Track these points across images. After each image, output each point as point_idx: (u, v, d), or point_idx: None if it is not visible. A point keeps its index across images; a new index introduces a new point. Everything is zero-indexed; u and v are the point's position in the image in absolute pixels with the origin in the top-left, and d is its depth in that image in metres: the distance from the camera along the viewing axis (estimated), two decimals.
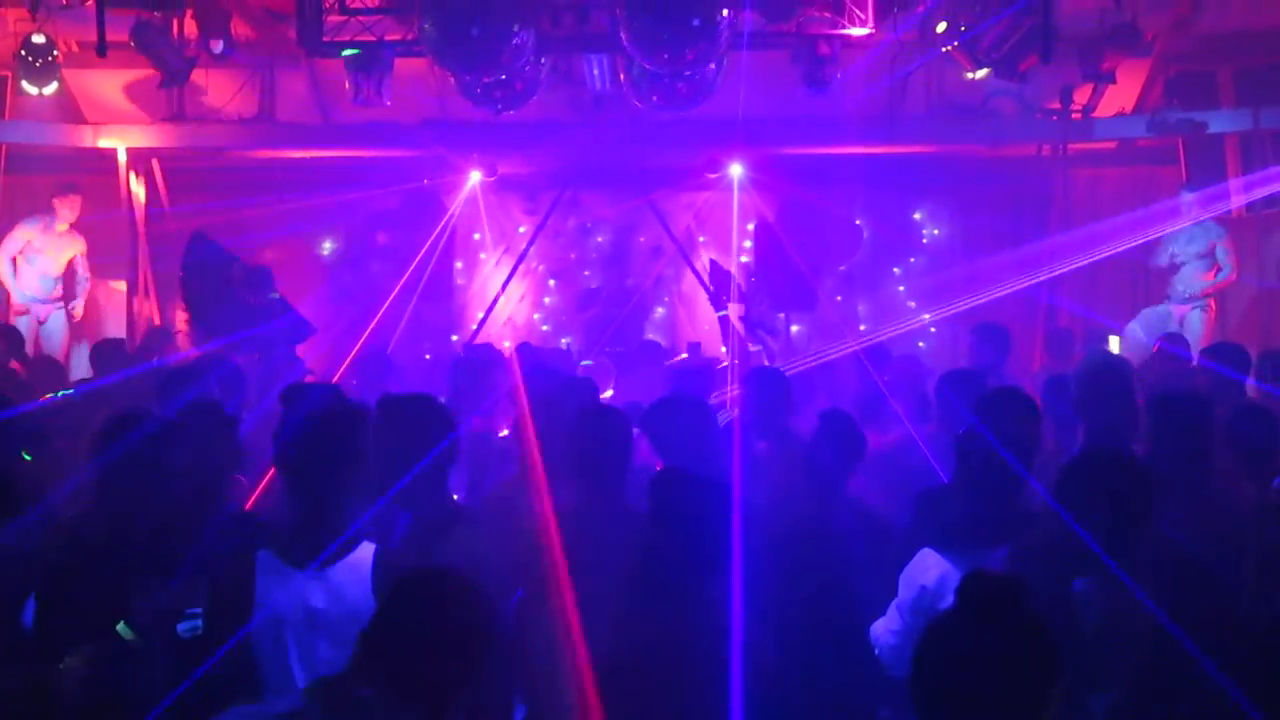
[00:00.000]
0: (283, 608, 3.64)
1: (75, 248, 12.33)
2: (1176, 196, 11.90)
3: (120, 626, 3.82)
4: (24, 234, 12.15)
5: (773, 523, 4.92)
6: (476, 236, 13.55)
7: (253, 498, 5.32)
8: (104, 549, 4.26)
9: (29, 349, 11.07)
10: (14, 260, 12.14)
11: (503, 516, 5.07)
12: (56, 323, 12.21)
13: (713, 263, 12.22)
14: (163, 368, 8.57)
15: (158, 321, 12.23)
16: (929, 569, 4.51)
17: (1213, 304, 11.90)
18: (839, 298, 12.00)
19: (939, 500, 4.97)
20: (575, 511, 4.72)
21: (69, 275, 12.37)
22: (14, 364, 9.68)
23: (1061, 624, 3.66)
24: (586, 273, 13.57)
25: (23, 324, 11.79)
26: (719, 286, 11.29)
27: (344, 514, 3.82)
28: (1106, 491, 4.03)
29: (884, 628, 4.66)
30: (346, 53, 10.36)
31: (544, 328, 13.36)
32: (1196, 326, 11.76)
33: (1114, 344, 11.15)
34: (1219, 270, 11.82)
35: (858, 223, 12.92)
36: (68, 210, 12.20)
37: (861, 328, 12.00)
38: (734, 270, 11.88)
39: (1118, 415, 5.78)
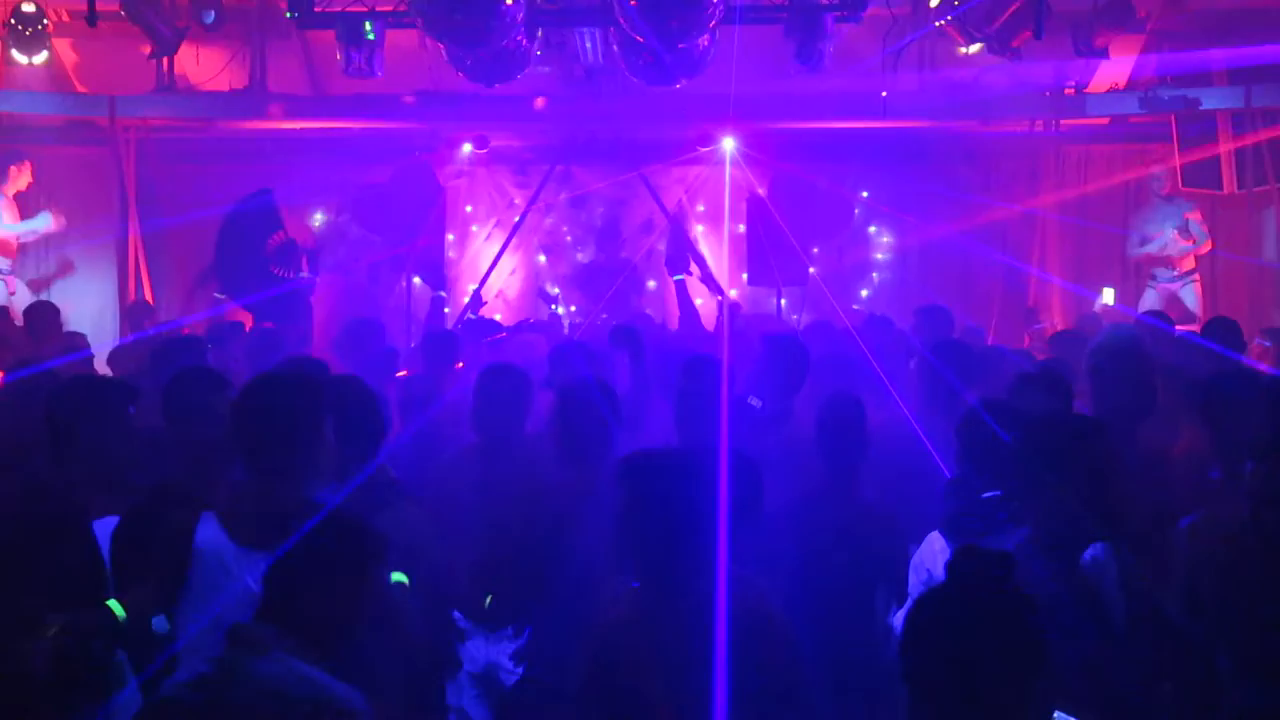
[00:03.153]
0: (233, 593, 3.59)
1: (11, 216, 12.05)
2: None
3: (111, 603, 3.73)
4: None
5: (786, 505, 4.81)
6: (468, 209, 13.54)
7: None
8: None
9: None
10: None
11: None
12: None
13: (672, 224, 12.18)
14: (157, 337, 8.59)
15: (147, 291, 12.15)
16: (936, 555, 4.51)
17: (1199, 279, 11.98)
18: (811, 270, 11.95)
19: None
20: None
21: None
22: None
23: (1080, 596, 3.76)
24: (577, 250, 13.56)
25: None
26: (677, 249, 11.21)
27: (299, 492, 3.78)
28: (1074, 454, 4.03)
29: (900, 616, 4.59)
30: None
31: (552, 289, 13.40)
32: (1192, 301, 11.88)
33: (1108, 295, 11.21)
34: (1194, 243, 11.94)
35: (864, 195, 12.95)
36: (19, 178, 11.93)
37: (855, 307, 12.02)
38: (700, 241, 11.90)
39: (1130, 394, 5.76)
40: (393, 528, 3.69)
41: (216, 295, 10.88)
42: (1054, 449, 4.05)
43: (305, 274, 9.68)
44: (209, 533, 3.78)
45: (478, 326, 10.09)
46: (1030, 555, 3.85)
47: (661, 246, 12.22)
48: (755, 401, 5.95)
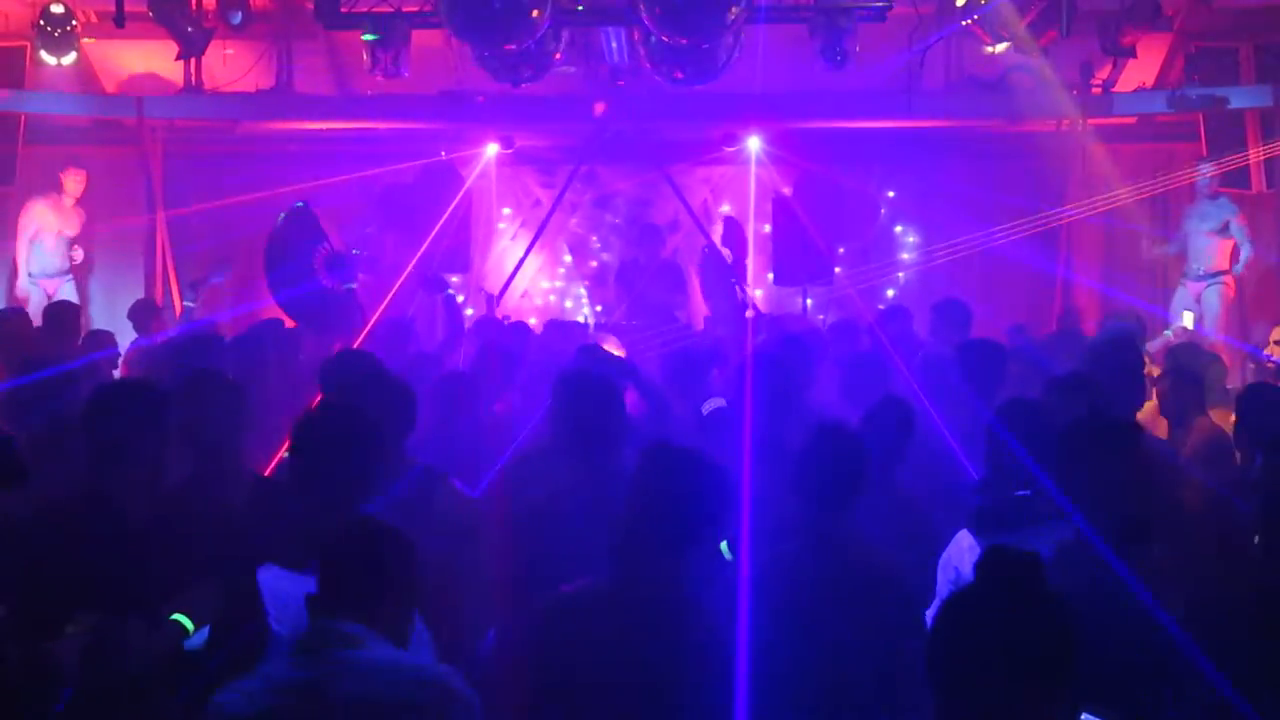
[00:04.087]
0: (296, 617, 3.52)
1: (76, 222, 12.34)
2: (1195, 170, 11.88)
3: (178, 616, 3.73)
4: (38, 212, 12.16)
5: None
6: (505, 211, 13.58)
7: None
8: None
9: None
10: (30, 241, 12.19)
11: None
12: (67, 294, 12.06)
13: (727, 219, 12.13)
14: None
15: (175, 291, 12.23)
16: (964, 553, 4.50)
17: (1229, 280, 11.87)
18: (837, 269, 11.93)
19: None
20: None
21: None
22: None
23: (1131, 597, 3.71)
24: (600, 249, 13.58)
25: (32, 304, 11.76)
26: (733, 245, 11.18)
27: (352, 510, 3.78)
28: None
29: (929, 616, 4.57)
30: (367, 37, 10.35)
31: (567, 304, 13.39)
32: (1214, 303, 11.80)
33: (1188, 319, 11.30)
34: (1236, 246, 11.80)
35: (890, 194, 12.93)
36: (74, 184, 12.20)
37: (880, 306, 11.99)
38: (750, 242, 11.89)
39: (1122, 386, 5.85)
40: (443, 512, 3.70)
41: (186, 304, 10.96)
42: (1103, 449, 4.02)
43: (354, 286, 9.66)
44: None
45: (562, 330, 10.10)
46: (1075, 556, 3.85)
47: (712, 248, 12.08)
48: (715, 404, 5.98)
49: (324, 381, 5.68)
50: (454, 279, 11.73)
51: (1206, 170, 11.72)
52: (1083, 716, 2.76)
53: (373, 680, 3.07)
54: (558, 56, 10.70)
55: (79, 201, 12.32)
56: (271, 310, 9.81)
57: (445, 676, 3.20)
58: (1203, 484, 5.46)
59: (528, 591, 3.93)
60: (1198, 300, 11.86)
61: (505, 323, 10.33)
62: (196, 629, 3.76)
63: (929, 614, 4.41)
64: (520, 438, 5.92)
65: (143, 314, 10.43)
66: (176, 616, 3.73)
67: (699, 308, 12.16)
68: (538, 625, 3.59)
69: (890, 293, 13.11)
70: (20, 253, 12.19)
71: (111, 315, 11.45)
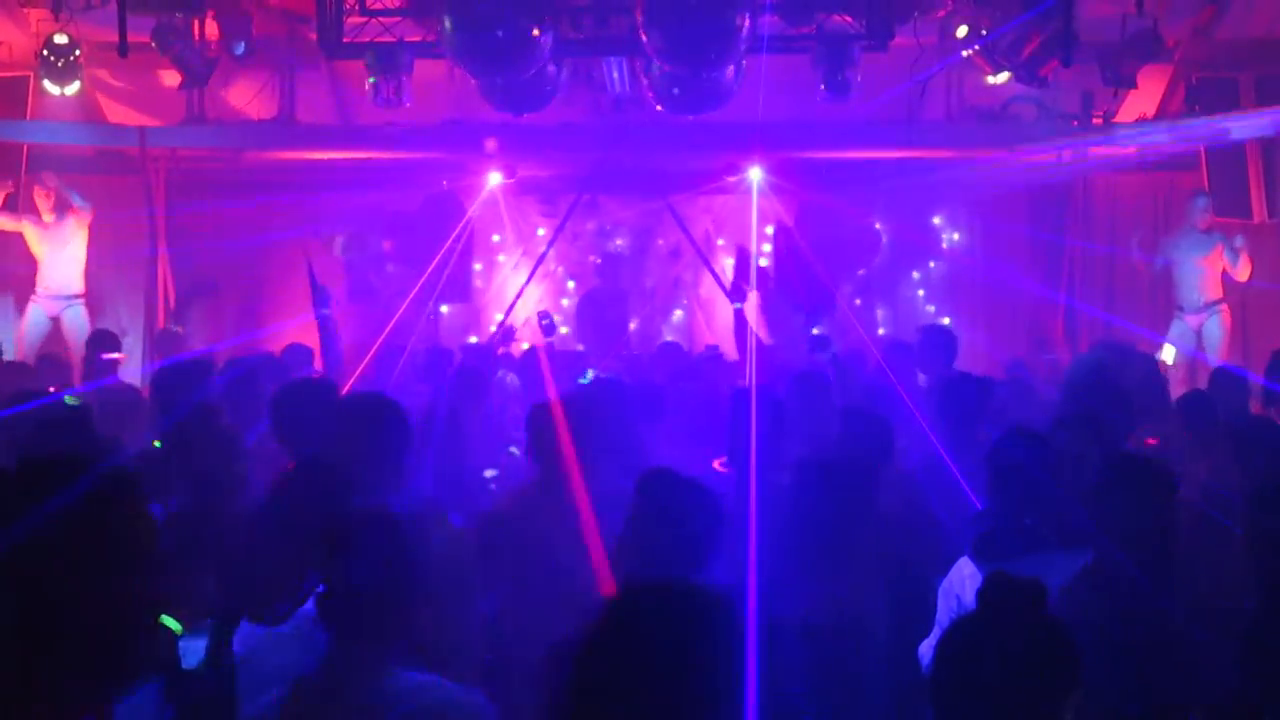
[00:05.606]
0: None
1: (67, 235, 12.16)
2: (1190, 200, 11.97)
3: (167, 619, 3.66)
4: (28, 236, 12.07)
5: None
6: (496, 238, 13.64)
7: None
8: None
9: (38, 346, 11.46)
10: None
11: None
12: (77, 317, 12.13)
13: (739, 249, 12.13)
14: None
15: (175, 319, 12.29)
16: (965, 580, 4.52)
17: (1226, 309, 11.88)
18: (857, 301, 12.02)
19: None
20: None
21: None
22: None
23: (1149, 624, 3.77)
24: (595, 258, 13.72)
25: (35, 315, 11.95)
26: (742, 274, 11.23)
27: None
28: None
29: (928, 645, 4.59)
30: (371, 80, 10.35)
31: (562, 330, 13.43)
32: (1216, 333, 11.80)
33: (1168, 353, 11.30)
34: (1225, 273, 11.83)
35: (877, 227, 12.97)
36: (42, 200, 12.03)
37: (880, 331, 12.04)
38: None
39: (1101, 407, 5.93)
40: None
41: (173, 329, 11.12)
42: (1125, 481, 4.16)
43: (327, 312, 9.65)
44: None
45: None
46: (1092, 584, 3.93)
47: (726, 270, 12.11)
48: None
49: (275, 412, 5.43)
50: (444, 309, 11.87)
51: (1203, 203, 11.80)
52: None
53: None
54: (563, 82, 10.78)
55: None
56: (271, 338, 9.90)
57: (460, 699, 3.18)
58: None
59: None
60: (1198, 331, 11.84)
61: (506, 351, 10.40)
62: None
63: (929, 642, 4.45)
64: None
65: (168, 343, 10.61)
66: (165, 620, 3.67)
67: (699, 335, 12.21)
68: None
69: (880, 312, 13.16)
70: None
71: None
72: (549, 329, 11.35)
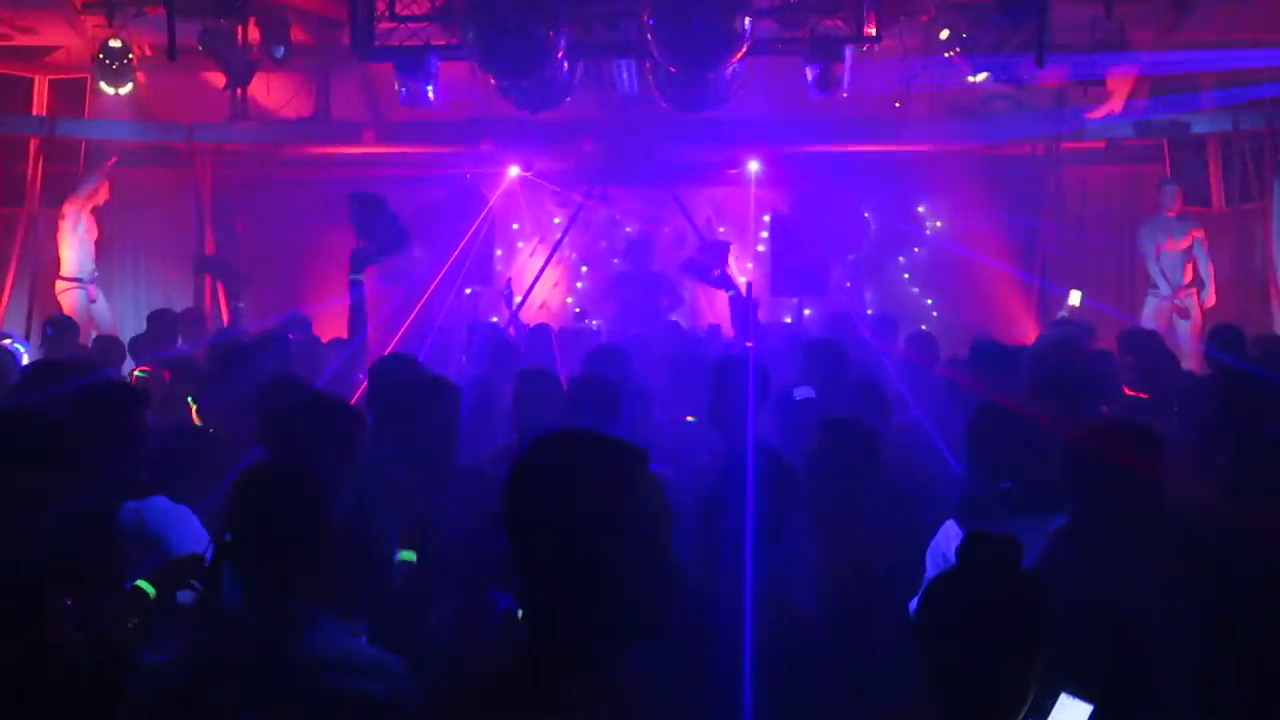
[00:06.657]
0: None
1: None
2: (1158, 189, 12.46)
3: (141, 582, 3.74)
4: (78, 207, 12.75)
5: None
6: (515, 226, 14.41)
7: None
8: None
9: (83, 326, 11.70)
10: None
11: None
12: (101, 298, 12.82)
13: (702, 241, 12.48)
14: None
15: (223, 302, 12.95)
16: (949, 541, 4.59)
17: (1196, 303, 12.34)
18: (848, 283, 12.70)
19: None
20: None
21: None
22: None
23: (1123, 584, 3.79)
24: (615, 260, 14.43)
25: (71, 299, 12.51)
26: (713, 262, 11.24)
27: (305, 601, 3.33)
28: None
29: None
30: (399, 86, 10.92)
31: (575, 309, 14.20)
32: (1195, 310, 12.32)
33: (1074, 298, 11.65)
34: (1198, 264, 12.33)
35: (866, 215, 13.75)
36: (102, 193, 12.78)
37: (868, 311, 12.77)
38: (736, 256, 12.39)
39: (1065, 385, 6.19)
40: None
41: (238, 305, 11.77)
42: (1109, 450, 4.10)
43: (359, 278, 9.47)
44: None
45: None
46: (1066, 548, 4.02)
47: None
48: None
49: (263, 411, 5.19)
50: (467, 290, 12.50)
51: (1170, 188, 12.35)
52: (1061, 697, 2.89)
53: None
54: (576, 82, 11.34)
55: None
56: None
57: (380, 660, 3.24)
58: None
59: None
60: (1171, 314, 12.35)
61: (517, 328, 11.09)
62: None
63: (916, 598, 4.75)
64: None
65: (192, 324, 11.20)
66: (140, 583, 3.75)
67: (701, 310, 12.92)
68: None
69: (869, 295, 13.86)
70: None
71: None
72: (509, 299, 12.05)
